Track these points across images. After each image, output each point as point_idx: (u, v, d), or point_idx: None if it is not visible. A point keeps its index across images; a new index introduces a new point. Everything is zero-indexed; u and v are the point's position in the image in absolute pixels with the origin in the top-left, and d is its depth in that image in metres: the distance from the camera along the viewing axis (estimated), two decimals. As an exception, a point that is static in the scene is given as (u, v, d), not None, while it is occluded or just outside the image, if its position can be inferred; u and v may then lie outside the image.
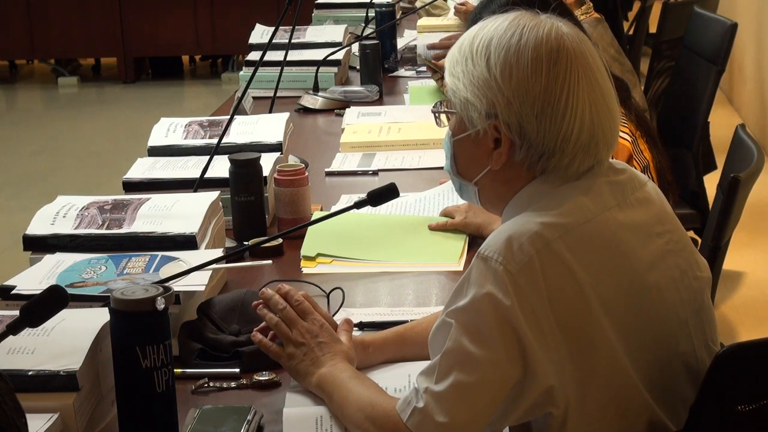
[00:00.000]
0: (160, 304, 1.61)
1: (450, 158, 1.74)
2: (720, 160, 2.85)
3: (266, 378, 1.87)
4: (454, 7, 5.06)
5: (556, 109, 1.61)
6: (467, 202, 2.02)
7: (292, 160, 2.91)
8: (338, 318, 1.94)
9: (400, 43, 4.97)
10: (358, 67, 4.18)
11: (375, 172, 3.09)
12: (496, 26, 1.66)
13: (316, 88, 3.95)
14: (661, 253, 1.66)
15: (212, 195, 2.38)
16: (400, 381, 1.79)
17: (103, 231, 2.25)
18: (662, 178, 2.63)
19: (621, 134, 2.60)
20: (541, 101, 1.61)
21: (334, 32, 4.60)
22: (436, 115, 1.78)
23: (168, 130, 2.91)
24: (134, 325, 1.61)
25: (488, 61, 1.63)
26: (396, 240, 2.51)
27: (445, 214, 2.57)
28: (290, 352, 1.82)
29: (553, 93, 1.61)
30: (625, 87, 2.68)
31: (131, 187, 2.63)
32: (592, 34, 3.51)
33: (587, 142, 1.63)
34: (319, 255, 2.42)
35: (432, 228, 2.54)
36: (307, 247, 2.44)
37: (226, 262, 2.14)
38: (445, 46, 3.84)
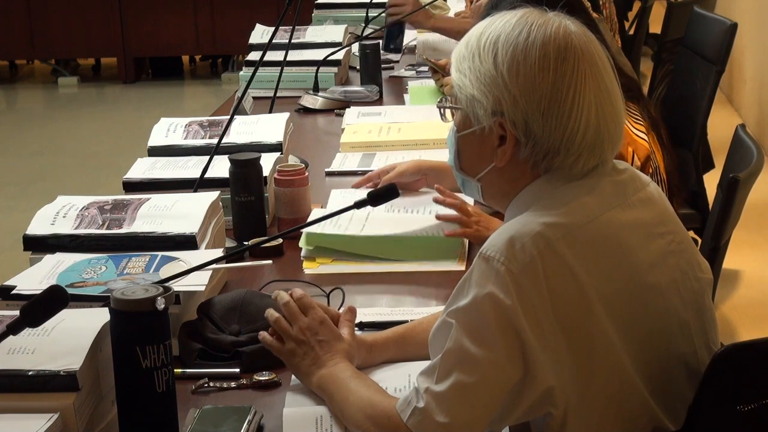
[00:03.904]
0: (160, 304, 1.61)
1: (454, 153, 1.74)
2: (719, 160, 2.86)
3: (266, 378, 1.87)
4: (454, 14, 5.07)
5: (563, 107, 1.60)
6: (471, 201, 2.01)
7: (292, 160, 2.91)
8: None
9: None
10: (358, 67, 4.19)
11: (375, 173, 3.08)
12: (503, 23, 1.66)
13: (316, 88, 3.95)
14: (662, 253, 1.66)
15: (212, 195, 2.38)
16: (400, 381, 1.79)
17: (103, 231, 2.25)
18: (671, 182, 2.64)
19: (638, 133, 2.61)
20: (547, 99, 1.60)
21: (334, 32, 4.60)
22: (441, 110, 1.77)
23: (168, 130, 2.91)
24: (134, 325, 1.61)
25: (495, 58, 1.63)
26: (396, 239, 2.51)
27: (457, 210, 2.52)
28: (290, 349, 1.82)
29: (559, 91, 1.60)
30: (637, 86, 2.68)
31: (131, 187, 2.63)
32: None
33: (592, 141, 1.62)
34: (317, 248, 2.42)
35: (439, 218, 2.48)
36: (306, 242, 2.44)
37: (226, 262, 2.14)
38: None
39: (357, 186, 2.86)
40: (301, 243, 2.44)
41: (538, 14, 1.66)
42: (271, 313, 1.85)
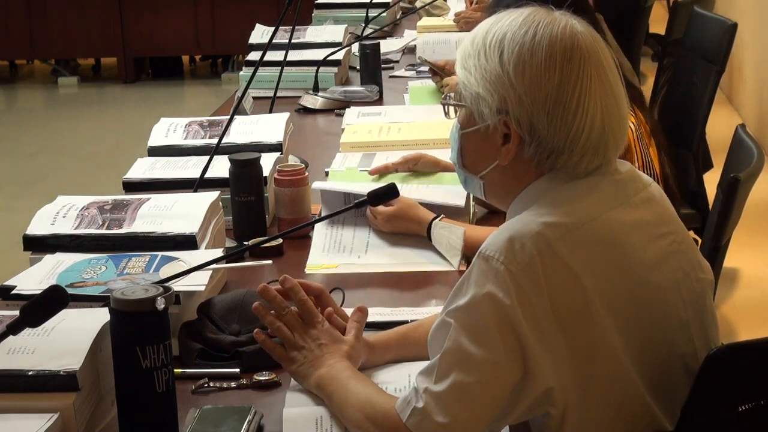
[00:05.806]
0: (160, 304, 1.61)
1: (456, 150, 1.74)
2: (719, 160, 2.86)
3: (266, 378, 1.87)
4: (455, 14, 5.07)
5: (568, 107, 1.60)
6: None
7: (292, 160, 2.91)
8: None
9: (400, 43, 4.97)
10: (358, 67, 4.19)
11: (375, 173, 3.08)
12: (510, 21, 1.65)
13: (316, 88, 3.95)
14: (664, 254, 1.65)
15: (212, 195, 2.38)
16: (400, 381, 1.79)
17: (103, 231, 2.25)
18: (668, 184, 2.65)
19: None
20: (553, 99, 1.60)
21: (334, 32, 4.60)
22: (446, 107, 1.77)
23: (168, 130, 2.91)
24: (134, 325, 1.61)
25: (501, 57, 1.62)
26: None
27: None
28: (292, 356, 1.81)
29: (565, 91, 1.60)
30: (640, 94, 2.69)
31: (131, 187, 2.63)
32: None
33: (597, 142, 1.62)
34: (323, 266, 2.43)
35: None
36: (313, 258, 2.43)
37: (226, 262, 2.14)
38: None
39: (374, 173, 2.79)
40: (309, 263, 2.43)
41: (544, 13, 1.66)
42: (271, 321, 1.83)
